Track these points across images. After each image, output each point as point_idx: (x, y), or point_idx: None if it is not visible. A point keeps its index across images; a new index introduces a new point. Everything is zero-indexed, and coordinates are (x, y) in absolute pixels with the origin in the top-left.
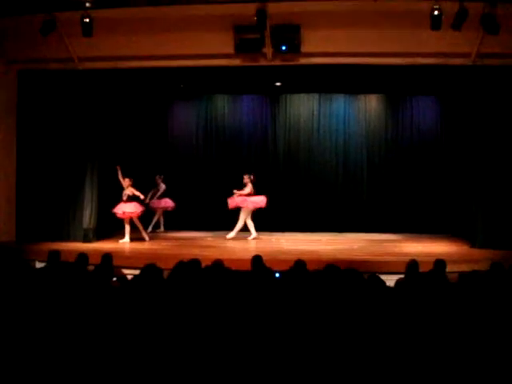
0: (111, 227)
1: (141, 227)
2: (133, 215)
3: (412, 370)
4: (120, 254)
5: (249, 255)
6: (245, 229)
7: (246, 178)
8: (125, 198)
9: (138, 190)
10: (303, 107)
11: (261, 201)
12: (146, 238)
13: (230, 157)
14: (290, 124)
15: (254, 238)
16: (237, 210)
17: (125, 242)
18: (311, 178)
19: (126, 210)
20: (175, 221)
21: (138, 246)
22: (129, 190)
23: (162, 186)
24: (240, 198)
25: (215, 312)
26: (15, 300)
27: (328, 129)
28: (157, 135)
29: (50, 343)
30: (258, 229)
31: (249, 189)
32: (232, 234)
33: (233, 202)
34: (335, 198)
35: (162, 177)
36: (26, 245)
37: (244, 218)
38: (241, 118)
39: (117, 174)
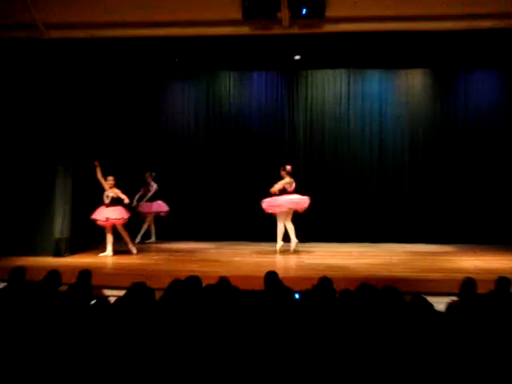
0: (89, 237)
1: (127, 237)
2: (117, 222)
3: None
4: (101, 270)
5: (262, 271)
6: (241, 237)
7: (283, 172)
8: (107, 201)
9: (122, 191)
10: (328, 86)
11: (302, 201)
12: (134, 250)
13: (237, 149)
14: (311, 107)
15: (288, 248)
16: (248, 214)
17: (107, 256)
18: (338, 174)
19: (109, 215)
20: (170, 229)
21: (123, 260)
22: (112, 192)
23: (154, 186)
24: (279, 200)
25: (219, 343)
26: None
27: (360, 112)
28: (146, 123)
29: None
30: (271, 239)
31: (288, 179)
32: (280, 244)
33: (272, 203)
34: (369, 200)
35: (154, 174)
36: None
37: (283, 222)
38: (250, 100)
39: (95, 172)
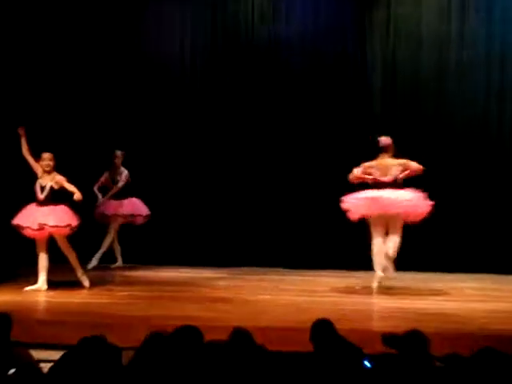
0: (10, 260)
1: (74, 260)
2: (58, 233)
3: None
4: (28, 315)
5: (306, 319)
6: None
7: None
8: (42, 195)
9: (70, 180)
10: (427, 8)
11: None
12: (86, 282)
13: (264, 108)
14: (395, 38)
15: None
16: (282, 223)
17: (38, 291)
18: (443, 153)
19: (44, 221)
20: (150, 247)
21: (67, 298)
22: (49, 180)
23: (124, 174)
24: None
25: None
26: None
27: (482, 52)
28: (115, 65)
29: None
30: (322, 264)
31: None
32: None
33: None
34: (491, 197)
35: (123, 154)
36: None
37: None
38: (291, 26)
39: (20, 147)
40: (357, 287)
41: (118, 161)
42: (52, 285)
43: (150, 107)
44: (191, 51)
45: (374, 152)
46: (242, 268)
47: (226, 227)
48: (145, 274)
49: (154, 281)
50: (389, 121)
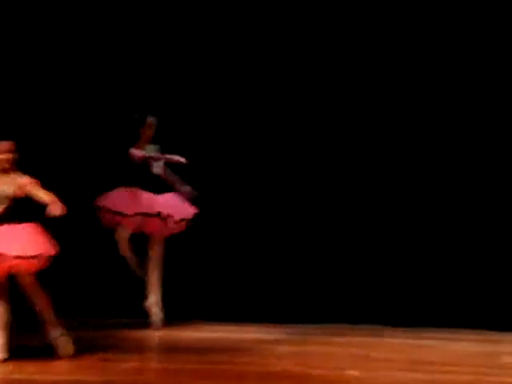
0: None
1: (46, 310)
2: (22, 268)
3: None
4: None
5: None
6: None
7: None
8: None
9: (44, 185)
10: None
11: None
12: (64, 348)
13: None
14: None
15: None
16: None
17: None
18: None
19: (2, 251)
20: (174, 291)
21: (36, 373)
22: (9, 184)
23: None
24: None
25: None
26: None
27: None
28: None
29: None
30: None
31: None
32: None
33: None
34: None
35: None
36: None
37: None
38: None
39: None
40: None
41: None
42: (16, 353)
43: None
44: None
45: None
46: (307, 326)
47: (285, 269)
48: (164, 335)
49: (178, 345)
50: None
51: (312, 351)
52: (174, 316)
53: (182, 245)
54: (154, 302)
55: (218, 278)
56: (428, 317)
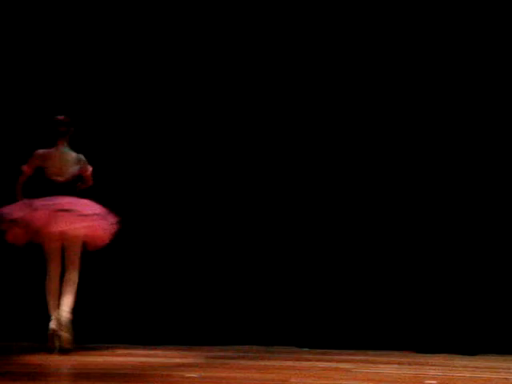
0: None
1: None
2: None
3: None
4: None
5: None
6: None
7: None
8: None
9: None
10: None
11: None
12: None
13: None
14: None
15: None
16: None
17: None
18: None
19: None
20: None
21: None
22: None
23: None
24: None
25: None
26: None
27: None
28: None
29: None
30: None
31: None
32: None
33: None
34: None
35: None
36: None
37: None
38: None
39: None
40: None
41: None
42: None
43: None
44: None
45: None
46: (226, 348)
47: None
48: (72, 359)
49: (83, 371)
50: None
51: (227, 376)
52: (82, 339)
53: (94, 266)
54: (58, 323)
55: (130, 299)
56: (345, 339)
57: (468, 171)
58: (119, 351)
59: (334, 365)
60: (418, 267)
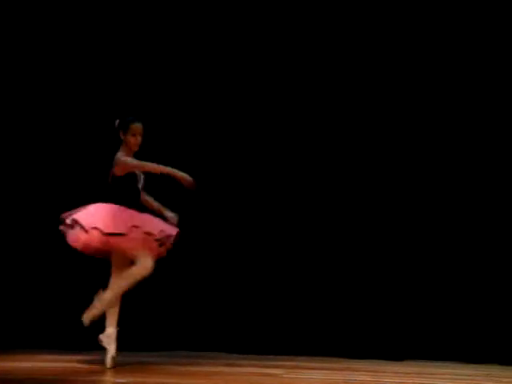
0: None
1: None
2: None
3: None
4: None
5: None
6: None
7: None
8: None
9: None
10: None
11: None
12: None
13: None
14: None
15: None
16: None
17: None
18: None
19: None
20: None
21: None
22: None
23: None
24: None
25: None
26: None
27: None
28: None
29: None
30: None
31: None
32: None
33: None
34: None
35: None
36: None
37: None
38: None
39: None
40: None
41: None
42: None
43: None
44: None
45: None
46: (156, 353)
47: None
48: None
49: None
50: None
51: (151, 382)
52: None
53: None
54: None
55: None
56: (278, 345)
57: (467, 179)
58: (43, 356)
59: (263, 370)
60: (354, 274)
